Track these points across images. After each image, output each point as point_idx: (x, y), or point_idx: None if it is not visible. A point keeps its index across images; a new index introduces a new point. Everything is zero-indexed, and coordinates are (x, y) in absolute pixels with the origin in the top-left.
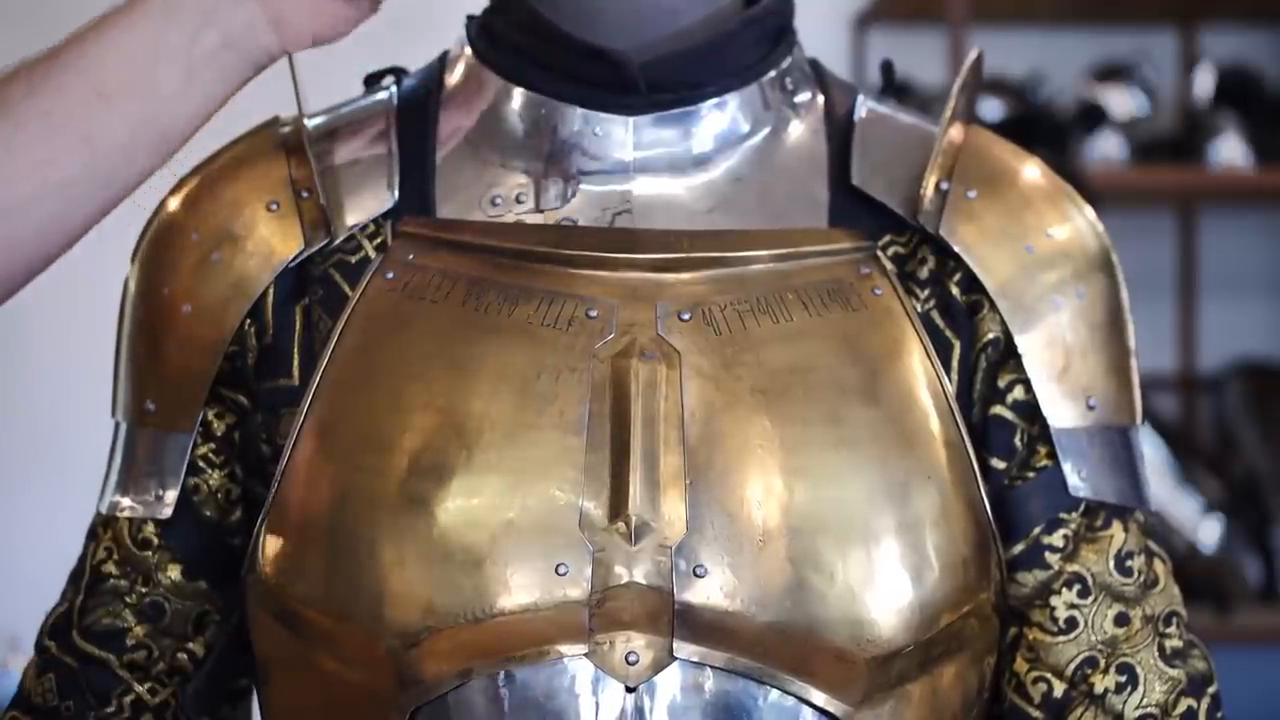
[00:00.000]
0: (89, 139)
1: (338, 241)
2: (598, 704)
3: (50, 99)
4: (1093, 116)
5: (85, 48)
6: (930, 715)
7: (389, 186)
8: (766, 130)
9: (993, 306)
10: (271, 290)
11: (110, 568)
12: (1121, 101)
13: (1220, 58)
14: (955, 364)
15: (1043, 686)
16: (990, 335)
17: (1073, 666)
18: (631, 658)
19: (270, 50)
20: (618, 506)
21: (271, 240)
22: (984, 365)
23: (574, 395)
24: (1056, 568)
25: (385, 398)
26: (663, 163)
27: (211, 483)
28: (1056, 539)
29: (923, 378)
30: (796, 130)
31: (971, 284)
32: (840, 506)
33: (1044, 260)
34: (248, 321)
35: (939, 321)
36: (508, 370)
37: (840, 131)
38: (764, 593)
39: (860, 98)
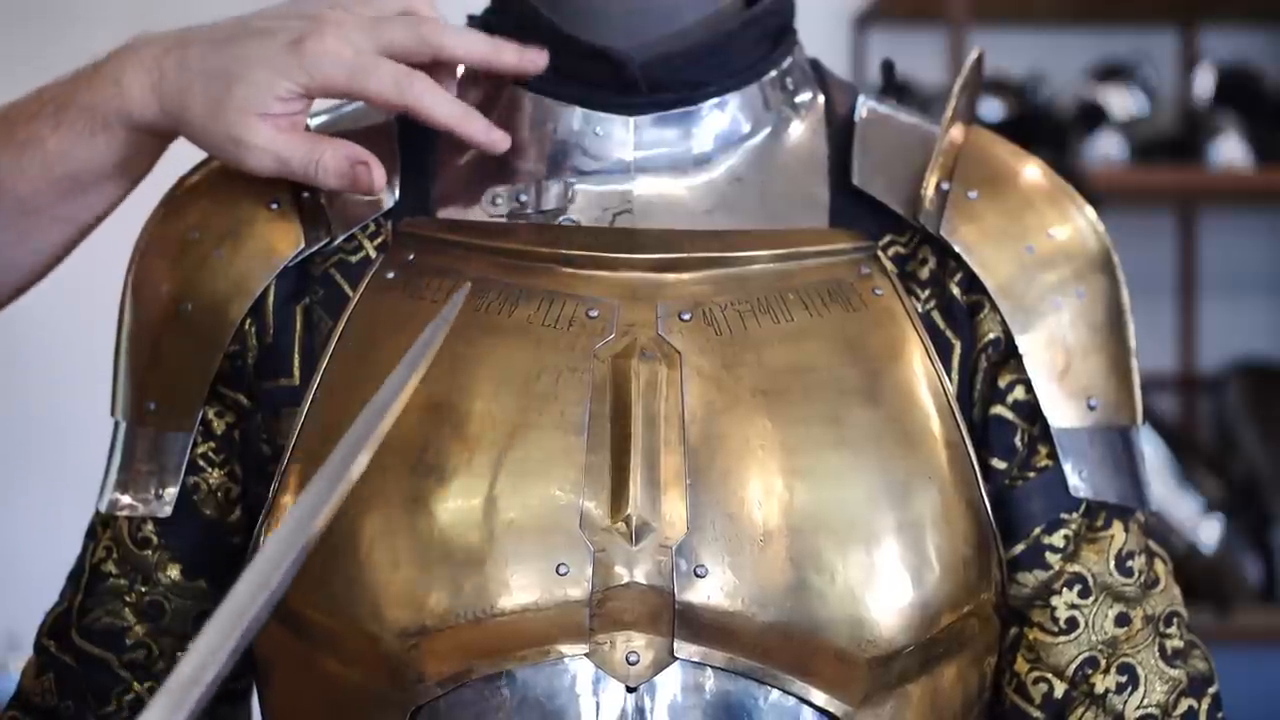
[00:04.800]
0: (70, 220)
1: (338, 241)
2: (598, 704)
3: None
4: (1093, 116)
5: (51, 159)
6: (931, 715)
7: (389, 186)
8: (767, 130)
9: (993, 307)
10: (272, 290)
11: (110, 567)
12: (1121, 101)
13: (1220, 58)
14: (956, 364)
15: (1043, 687)
16: (991, 335)
17: (1073, 667)
18: (632, 658)
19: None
20: (618, 506)
21: (272, 239)
22: (984, 365)
23: (574, 395)
24: (1057, 568)
25: None
26: (663, 163)
27: (211, 481)
28: (1057, 539)
29: (923, 378)
30: (797, 130)
31: (972, 284)
32: (841, 507)
33: (1045, 260)
34: (248, 321)
35: (939, 322)
36: (508, 370)
37: (841, 132)
38: (764, 593)
39: (861, 98)
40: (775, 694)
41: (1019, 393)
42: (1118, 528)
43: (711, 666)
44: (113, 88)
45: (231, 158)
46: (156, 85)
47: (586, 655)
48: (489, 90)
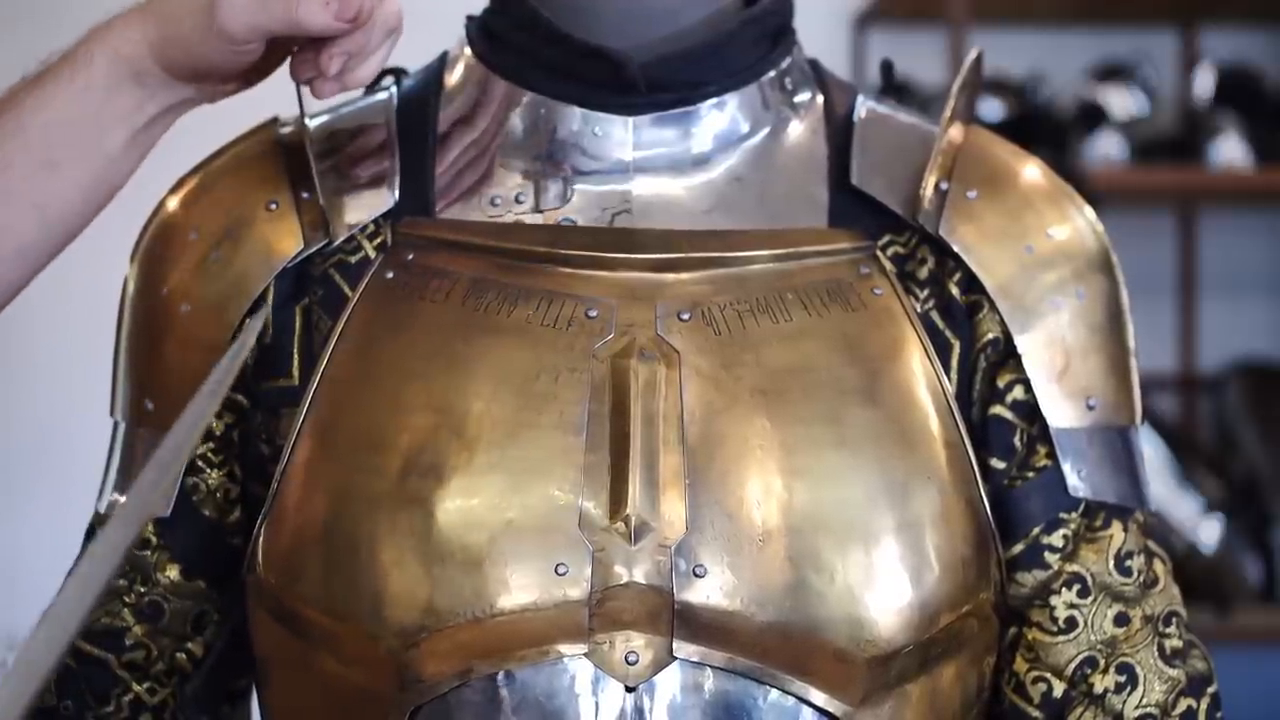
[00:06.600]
0: (41, 206)
1: (337, 242)
2: (597, 704)
3: None
4: (1093, 116)
5: (26, 116)
6: (930, 715)
7: (389, 187)
8: (766, 130)
9: (992, 307)
10: (271, 290)
11: None
12: (1121, 101)
13: (1220, 58)
14: (955, 364)
15: (1042, 686)
16: (990, 335)
17: (1072, 666)
18: (631, 657)
19: (198, 104)
20: (617, 506)
21: (270, 240)
22: (983, 365)
23: (574, 395)
24: (1056, 568)
25: (385, 398)
26: (662, 163)
27: (210, 482)
28: (1056, 539)
29: (922, 378)
30: (796, 130)
31: (971, 284)
32: (840, 506)
33: (1044, 260)
34: (247, 321)
35: (938, 322)
36: (507, 370)
37: (840, 131)
38: (764, 592)
39: (860, 98)
40: (774, 694)
41: (1018, 392)
42: (1117, 527)
43: (711, 666)
44: (93, 32)
45: (212, 26)
46: (137, 12)
47: (586, 655)
48: (481, 89)
